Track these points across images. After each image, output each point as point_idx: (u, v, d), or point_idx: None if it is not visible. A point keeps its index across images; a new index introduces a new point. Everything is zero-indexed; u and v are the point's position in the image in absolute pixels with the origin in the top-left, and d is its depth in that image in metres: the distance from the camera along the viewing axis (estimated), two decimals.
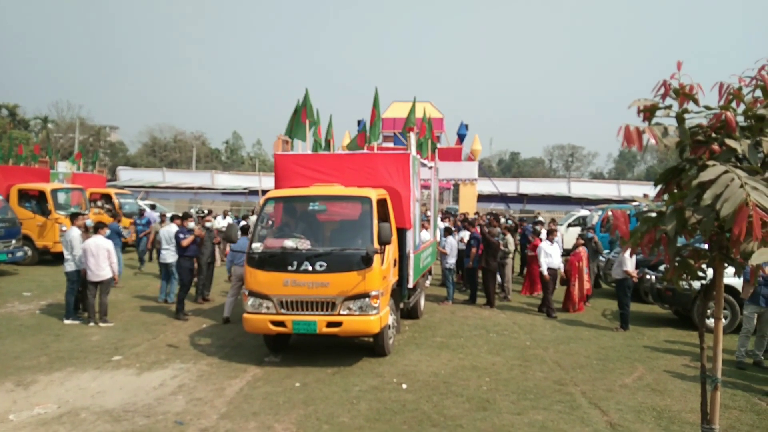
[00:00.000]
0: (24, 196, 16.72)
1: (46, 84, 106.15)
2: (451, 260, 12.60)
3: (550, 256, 11.65)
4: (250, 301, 7.58)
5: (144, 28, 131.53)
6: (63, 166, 23.52)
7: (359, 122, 25.52)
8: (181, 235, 10.50)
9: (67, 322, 9.72)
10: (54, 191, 16.77)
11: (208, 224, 11.92)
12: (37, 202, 16.72)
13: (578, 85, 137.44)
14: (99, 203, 19.88)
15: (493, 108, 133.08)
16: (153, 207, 22.18)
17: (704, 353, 3.63)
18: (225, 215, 20.32)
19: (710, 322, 8.34)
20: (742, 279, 8.41)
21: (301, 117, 9.87)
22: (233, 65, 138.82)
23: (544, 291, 11.75)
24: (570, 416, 5.98)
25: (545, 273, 11.50)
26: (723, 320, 9.67)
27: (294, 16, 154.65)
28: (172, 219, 11.90)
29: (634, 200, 16.35)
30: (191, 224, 10.80)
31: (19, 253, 14.72)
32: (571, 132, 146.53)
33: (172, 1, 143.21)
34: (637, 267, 10.46)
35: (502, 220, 17.56)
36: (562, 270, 12.44)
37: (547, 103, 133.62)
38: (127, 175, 45.25)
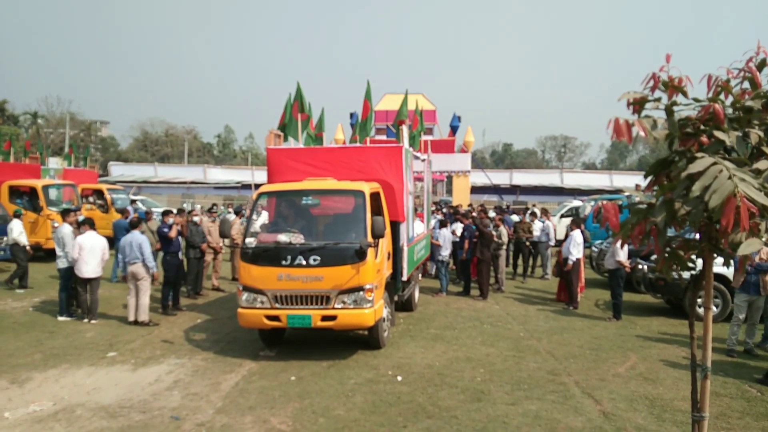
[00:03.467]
0: (15, 193, 16.60)
1: (35, 79, 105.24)
2: (445, 252, 12.64)
3: (579, 246, 11.13)
4: (245, 296, 7.58)
5: (134, 21, 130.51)
6: (54, 162, 23.37)
7: (352, 115, 25.47)
8: (165, 230, 10.46)
9: (61, 318, 9.70)
10: (45, 187, 16.65)
11: (195, 218, 11.86)
12: (29, 198, 16.61)
13: (571, 75, 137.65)
14: (91, 199, 19.78)
15: (485, 99, 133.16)
16: (133, 202, 21.93)
17: (694, 342, 3.68)
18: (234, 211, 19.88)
19: (701, 311, 8.43)
20: (733, 268, 8.47)
21: (293, 112, 9.85)
22: (224, 58, 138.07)
23: (567, 282, 11.40)
24: (563, 406, 6.04)
25: (570, 262, 11.08)
26: (714, 309, 9.76)
27: (285, 8, 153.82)
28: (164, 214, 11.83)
29: (623, 191, 16.41)
30: (170, 219, 10.72)
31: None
32: (564, 123, 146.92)
33: None
34: (629, 257, 10.53)
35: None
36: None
37: (539, 94, 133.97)
38: (118, 170, 44.93)
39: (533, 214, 16.02)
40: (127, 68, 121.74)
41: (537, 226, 15.11)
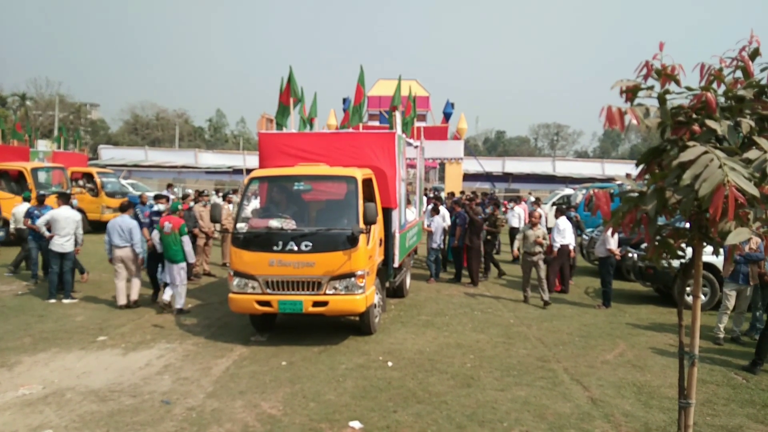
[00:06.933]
0: (3, 176, 16.43)
1: (23, 60, 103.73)
2: (436, 240, 12.65)
3: (563, 232, 11.20)
4: (236, 281, 7.57)
5: (125, 2, 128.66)
6: (43, 145, 23.12)
7: (344, 100, 25.36)
8: (155, 217, 10.43)
9: (66, 302, 9.74)
10: (34, 170, 16.48)
11: (191, 204, 11.82)
12: (17, 181, 16.43)
13: (565, 63, 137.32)
14: (81, 182, 19.61)
15: (479, 86, 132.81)
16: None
17: (682, 330, 3.72)
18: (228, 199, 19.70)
19: (690, 299, 8.50)
20: (722, 257, 8.53)
21: (284, 98, 9.77)
22: (216, 41, 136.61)
23: (547, 268, 11.26)
24: (552, 392, 6.10)
25: (555, 250, 11.06)
26: (703, 297, 9.85)
27: None
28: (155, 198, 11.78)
29: (615, 179, 16.43)
30: (161, 205, 10.67)
31: (0, 233, 14.51)
32: (557, 110, 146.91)
33: None
34: (619, 245, 10.58)
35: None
36: (572, 247, 11.66)
37: (533, 82, 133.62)
38: (108, 153, 44.46)
39: (496, 204, 15.84)
40: (117, 50, 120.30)
41: (516, 212, 15.53)
